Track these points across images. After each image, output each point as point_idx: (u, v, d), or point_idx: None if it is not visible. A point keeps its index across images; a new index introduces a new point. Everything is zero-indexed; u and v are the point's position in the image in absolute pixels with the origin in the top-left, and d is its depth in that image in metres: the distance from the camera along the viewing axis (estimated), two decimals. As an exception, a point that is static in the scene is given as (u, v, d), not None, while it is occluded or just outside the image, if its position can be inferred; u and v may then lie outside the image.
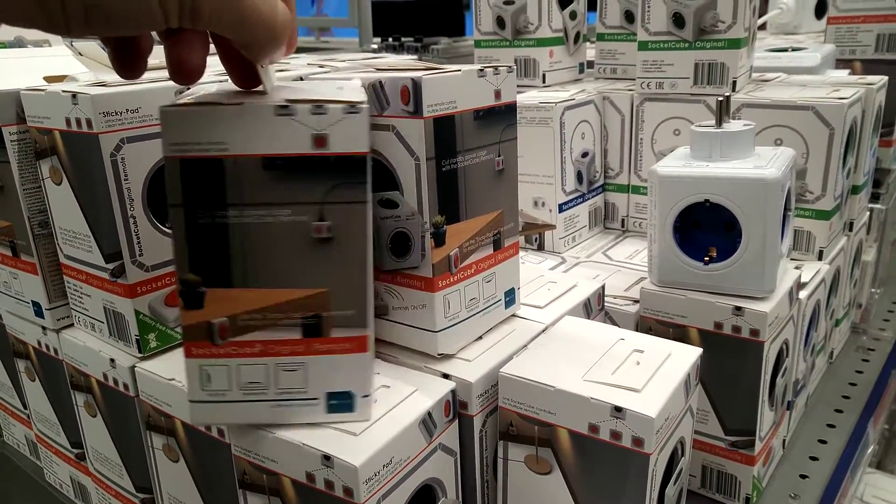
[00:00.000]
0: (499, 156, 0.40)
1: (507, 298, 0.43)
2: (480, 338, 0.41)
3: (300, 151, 0.30)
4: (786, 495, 0.50)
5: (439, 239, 0.37)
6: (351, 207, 0.31)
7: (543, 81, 0.70)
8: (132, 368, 0.42)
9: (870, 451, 0.67)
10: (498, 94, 0.39)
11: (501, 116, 0.40)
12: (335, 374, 0.33)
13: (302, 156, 0.30)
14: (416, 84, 0.35)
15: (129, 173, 0.39)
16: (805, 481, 0.52)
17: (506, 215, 0.41)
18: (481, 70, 0.38)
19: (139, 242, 0.40)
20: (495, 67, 0.39)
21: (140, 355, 0.42)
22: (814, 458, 0.54)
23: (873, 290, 0.76)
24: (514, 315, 0.44)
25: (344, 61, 0.60)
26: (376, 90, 0.36)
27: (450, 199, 0.37)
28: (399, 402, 0.36)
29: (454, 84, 0.36)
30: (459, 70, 0.37)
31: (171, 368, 0.41)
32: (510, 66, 0.39)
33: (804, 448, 0.55)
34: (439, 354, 0.39)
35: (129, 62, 0.28)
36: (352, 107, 0.30)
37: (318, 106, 0.30)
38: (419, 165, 0.36)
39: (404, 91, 0.35)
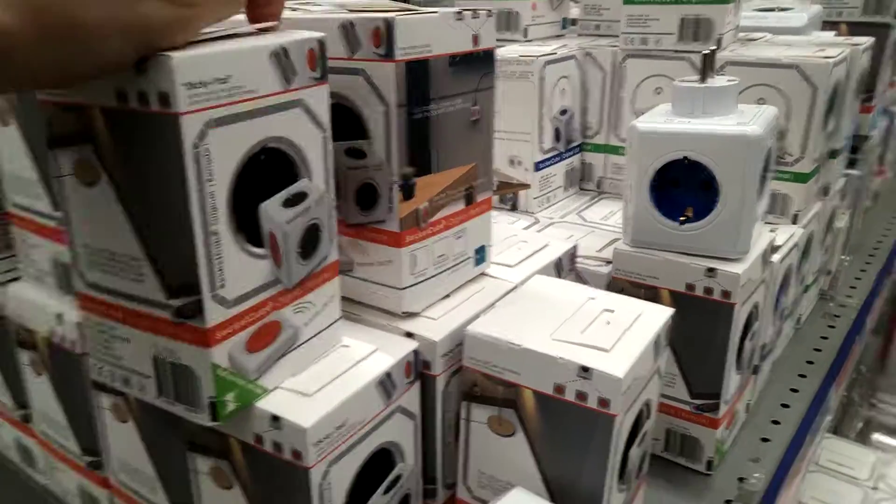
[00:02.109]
0: (475, 105, 0.38)
1: (478, 256, 0.42)
2: (448, 296, 0.40)
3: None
4: (746, 459, 0.50)
5: (408, 191, 0.36)
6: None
7: (525, 36, 0.67)
8: (79, 325, 0.40)
9: (832, 411, 0.68)
10: (476, 39, 0.37)
11: (479, 63, 0.38)
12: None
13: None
14: (389, 25, 0.33)
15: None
16: (766, 445, 0.52)
17: (479, 169, 0.40)
18: (459, 13, 0.36)
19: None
20: (474, 10, 0.37)
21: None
22: (776, 422, 0.55)
23: (843, 257, 0.76)
24: (483, 273, 0.43)
25: (319, 4, 0.57)
26: (346, 31, 0.34)
27: (421, 150, 0.36)
28: (357, 361, 0.34)
29: (429, 26, 0.34)
30: (436, 12, 0.34)
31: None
32: (490, 10, 0.37)
33: (767, 412, 0.56)
34: (404, 313, 0.38)
35: None
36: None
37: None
38: (389, 112, 0.34)
39: (376, 33, 0.33)
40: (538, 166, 0.61)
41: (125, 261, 0.30)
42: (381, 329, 0.38)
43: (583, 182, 0.68)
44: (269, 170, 0.30)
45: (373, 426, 0.33)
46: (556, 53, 0.59)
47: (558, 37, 0.72)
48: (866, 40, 0.60)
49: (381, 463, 0.35)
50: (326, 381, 0.32)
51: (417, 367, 0.36)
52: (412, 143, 0.35)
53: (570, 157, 0.65)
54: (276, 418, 0.30)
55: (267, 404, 0.31)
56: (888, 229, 0.97)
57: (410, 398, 0.36)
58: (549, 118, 0.60)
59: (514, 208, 0.62)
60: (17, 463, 0.54)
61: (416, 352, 0.36)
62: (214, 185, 0.27)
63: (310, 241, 0.32)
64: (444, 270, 0.39)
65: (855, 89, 0.60)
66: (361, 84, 0.34)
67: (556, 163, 0.63)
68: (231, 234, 0.28)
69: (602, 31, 0.71)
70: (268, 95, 0.29)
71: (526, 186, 0.61)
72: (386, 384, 0.34)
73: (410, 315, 0.38)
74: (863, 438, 1.39)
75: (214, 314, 0.28)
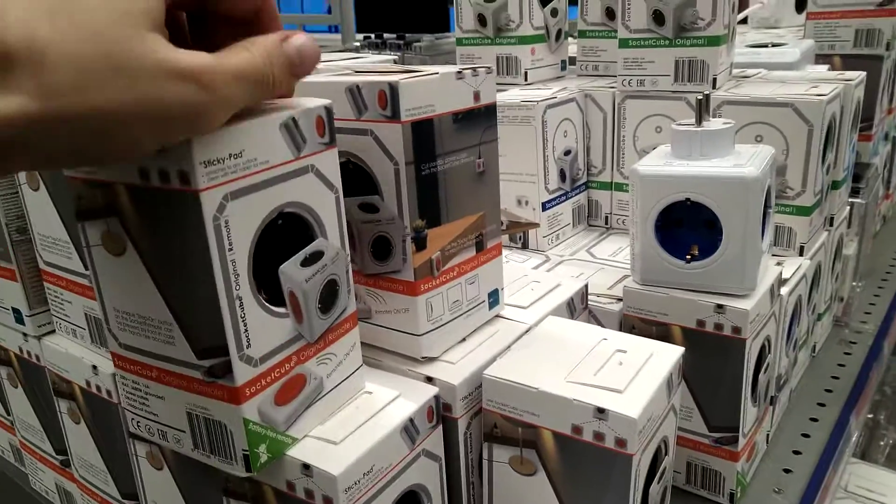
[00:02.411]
0: (479, 157, 0.40)
1: (491, 300, 0.43)
2: (464, 339, 0.41)
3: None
4: (770, 490, 0.51)
5: (420, 243, 0.37)
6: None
7: (525, 79, 0.70)
8: (114, 375, 0.41)
9: (853, 440, 0.67)
10: (477, 96, 0.39)
11: (481, 118, 0.40)
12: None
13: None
14: (394, 88, 0.34)
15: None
16: (789, 476, 0.52)
17: (488, 217, 0.41)
18: (459, 72, 0.38)
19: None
20: (474, 69, 0.38)
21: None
22: (797, 453, 0.55)
23: (854, 283, 0.77)
24: (497, 316, 0.44)
25: (323, 62, 0.60)
26: (353, 94, 0.36)
27: (430, 203, 0.37)
28: (381, 408, 0.35)
29: (432, 87, 0.36)
30: (437, 73, 0.37)
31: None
32: (489, 67, 0.39)
33: (788, 442, 0.56)
34: (423, 358, 0.39)
35: None
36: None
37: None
38: (398, 170, 0.36)
39: (381, 95, 0.35)
40: (545, 206, 0.62)
41: (155, 324, 0.31)
42: (401, 374, 0.39)
43: (590, 218, 0.69)
44: (286, 232, 0.32)
45: (399, 470, 0.34)
46: (556, 97, 0.61)
47: (558, 78, 0.74)
48: (858, 75, 0.62)
49: (409, 504, 0.36)
50: (353, 429, 0.34)
51: (439, 411, 0.37)
52: (422, 198, 0.37)
53: (576, 195, 0.67)
54: (306, 466, 0.32)
55: (297, 453, 0.32)
56: (898, 252, 0.97)
57: (434, 441, 0.37)
58: (553, 159, 0.62)
59: (524, 246, 0.64)
60: (57, 510, 0.55)
61: (436, 396, 0.37)
62: (235, 253, 0.29)
63: (328, 296, 0.34)
64: (460, 315, 0.41)
65: (851, 121, 0.61)
66: (370, 144, 0.36)
67: (563, 202, 0.65)
68: (253, 297, 0.30)
69: (601, 72, 0.74)
70: (280, 165, 0.30)
71: (535, 225, 0.63)
72: (409, 430, 0.35)
73: (429, 359, 0.39)
74: (891, 462, 1.37)
75: (243, 373, 0.30)
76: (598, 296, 0.51)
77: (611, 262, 0.59)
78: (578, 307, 0.48)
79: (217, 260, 0.28)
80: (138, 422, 0.35)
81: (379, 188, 0.37)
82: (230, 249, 0.28)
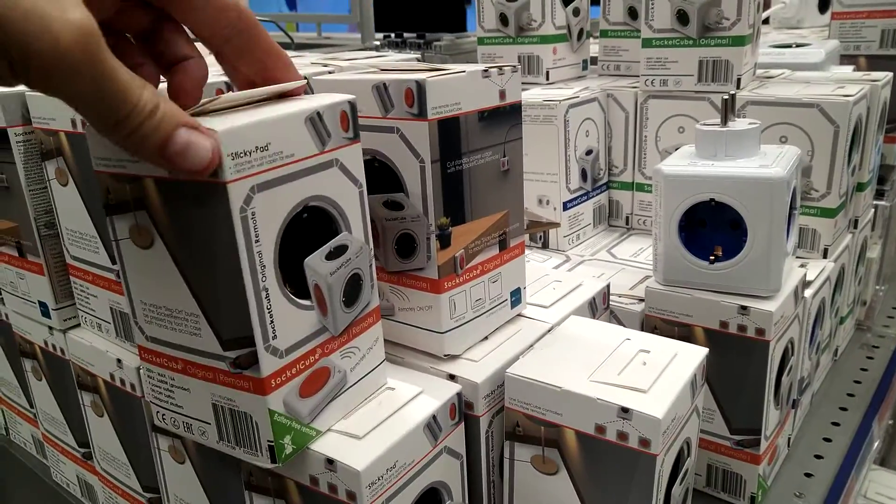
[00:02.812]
0: (504, 156, 0.40)
1: (513, 298, 0.43)
2: (486, 338, 0.41)
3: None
4: (791, 494, 0.50)
5: (445, 240, 0.37)
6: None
7: (547, 79, 0.70)
8: (138, 369, 0.42)
9: (875, 448, 0.67)
10: (503, 95, 0.39)
11: (506, 116, 0.40)
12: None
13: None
14: (421, 86, 0.35)
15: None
16: (810, 480, 0.52)
17: (511, 216, 0.41)
18: (486, 70, 0.38)
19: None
20: (500, 67, 0.38)
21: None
22: (819, 457, 0.54)
23: (878, 287, 0.76)
24: (519, 315, 0.44)
25: (346, 60, 0.60)
26: (380, 92, 0.36)
27: (455, 201, 0.37)
28: (404, 404, 0.35)
29: (458, 85, 0.36)
30: (464, 71, 0.37)
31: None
32: (515, 66, 0.39)
33: (809, 446, 0.55)
34: (445, 355, 0.39)
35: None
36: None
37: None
38: (424, 168, 0.36)
39: (408, 93, 0.35)
40: (566, 206, 0.62)
41: (182, 316, 0.32)
42: (423, 371, 0.39)
43: (611, 219, 0.69)
44: (311, 226, 0.32)
45: (421, 467, 0.35)
46: (578, 97, 0.61)
47: (579, 78, 0.74)
48: (884, 75, 0.61)
49: (430, 502, 0.36)
50: (376, 424, 0.34)
51: (461, 409, 0.37)
52: (447, 196, 0.37)
53: (597, 195, 0.66)
54: (330, 461, 0.32)
55: (321, 447, 0.32)
56: (922, 256, 0.96)
57: (456, 439, 0.37)
58: (574, 159, 0.62)
59: (545, 246, 0.64)
60: (79, 498, 0.56)
61: (459, 394, 0.37)
62: (261, 245, 0.29)
63: (352, 289, 0.34)
64: (482, 314, 0.41)
65: (878, 122, 0.61)
66: (396, 141, 0.36)
67: (584, 201, 0.65)
68: (279, 288, 0.30)
69: (623, 72, 0.73)
70: (305, 158, 0.30)
71: (556, 225, 0.63)
72: (432, 426, 0.35)
73: (452, 357, 0.39)
74: (911, 470, 1.35)
75: (269, 364, 0.30)
76: (619, 296, 0.51)
77: (632, 262, 0.59)
78: (600, 307, 0.48)
79: (244, 251, 0.28)
80: (163, 414, 0.35)
81: (404, 186, 0.37)
82: (256, 241, 0.29)
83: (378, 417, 0.34)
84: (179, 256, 0.30)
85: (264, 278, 0.29)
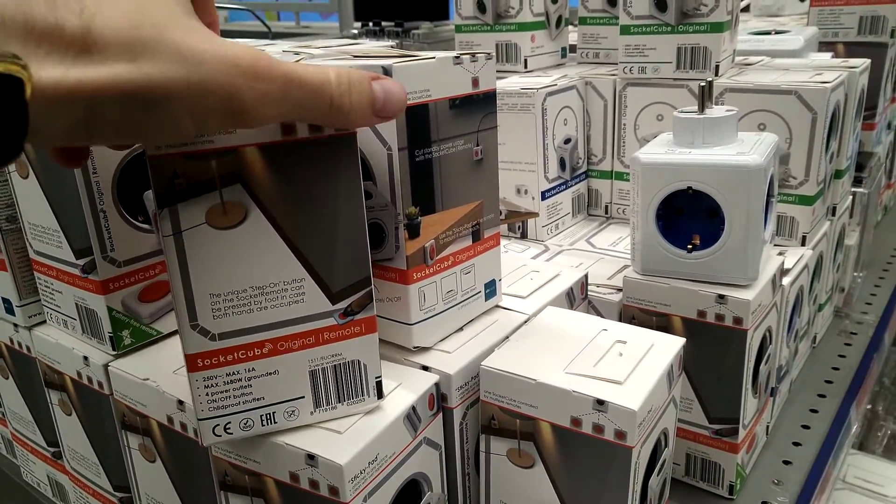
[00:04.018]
0: (477, 145, 0.39)
1: (488, 290, 0.42)
2: (461, 329, 0.41)
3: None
4: (769, 482, 0.50)
5: (413, 230, 0.36)
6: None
7: (525, 67, 0.69)
8: (106, 367, 0.41)
9: (853, 433, 0.67)
10: (476, 82, 0.38)
11: (480, 105, 0.39)
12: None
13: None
14: (387, 71, 0.34)
15: (98, 166, 0.37)
16: (788, 467, 0.52)
17: (485, 206, 0.41)
18: (457, 57, 0.37)
19: (110, 238, 0.39)
20: (473, 54, 0.38)
21: (114, 353, 0.41)
22: (797, 444, 0.54)
23: (856, 273, 0.76)
24: (496, 306, 0.43)
25: (319, 48, 0.59)
26: (349, 78, 0.35)
27: (424, 190, 0.37)
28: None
29: (427, 72, 0.35)
30: (433, 57, 0.36)
31: (146, 367, 0.40)
32: (489, 53, 0.38)
33: (787, 434, 0.55)
34: (415, 347, 0.38)
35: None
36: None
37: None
38: (392, 155, 0.35)
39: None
40: (545, 195, 0.61)
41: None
42: (397, 363, 0.38)
43: (590, 208, 0.69)
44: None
45: (402, 459, 0.34)
46: (556, 84, 0.60)
47: (558, 66, 0.73)
48: (862, 62, 0.61)
49: (411, 493, 0.36)
50: (357, 418, 0.34)
51: (439, 399, 0.37)
52: (415, 185, 0.36)
53: (576, 184, 0.66)
54: (311, 456, 0.31)
55: (301, 442, 0.32)
56: (900, 242, 0.97)
57: (435, 429, 0.37)
58: (552, 148, 0.61)
59: (524, 236, 0.63)
60: (51, 498, 0.54)
61: (437, 384, 0.36)
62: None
63: None
64: (454, 306, 0.40)
65: (855, 109, 0.61)
66: (364, 128, 0.35)
67: (563, 191, 0.64)
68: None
69: (601, 59, 0.73)
70: None
71: (534, 215, 0.62)
72: (412, 418, 0.35)
73: (425, 349, 0.39)
74: (889, 453, 1.37)
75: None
76: (597, 286, 0.51)
77: (611, 251, 0.58)
78: (578, 297, 0.47)
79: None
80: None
81: (372, 174, 0.36)
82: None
83: None
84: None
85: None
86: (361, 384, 0.34)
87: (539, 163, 0.60)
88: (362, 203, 0.31)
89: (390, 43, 0.70)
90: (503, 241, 0.62)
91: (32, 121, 0.20)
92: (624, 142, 0.64)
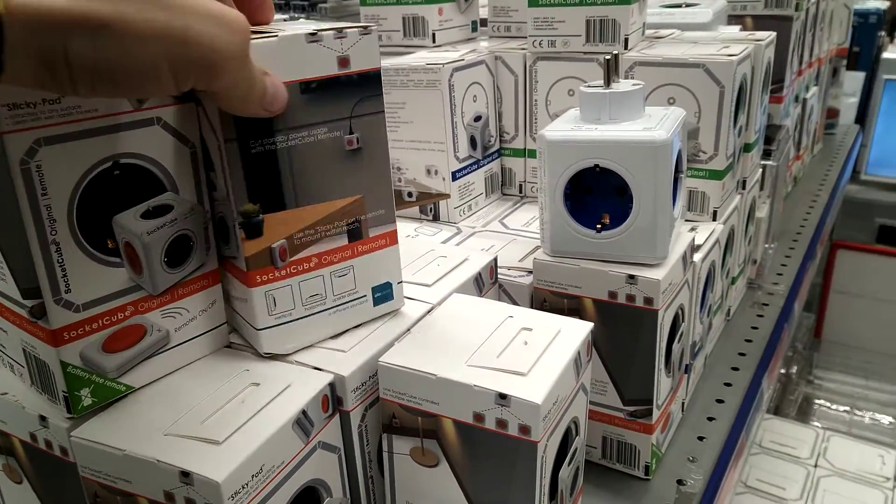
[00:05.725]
0: (351, 133, 0.35)
1: (378, 295, 0.38)
2: (358, 326, 0.38)
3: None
4: (685, 459, 0.50)
5: (252, 230, 0.33)
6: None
7: (433, 41, 0.66)
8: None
9: (766, 399, 0.68)
10: (344, 62, 0.34)
11: (352, 88, 0.34)
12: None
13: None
14: None
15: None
16: (703, 443, 0.52)
17: (368, 201, 0.36)
18: (313, 34, 0.32)
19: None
20: (339, 29, 0.33)
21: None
22: (711, 419, 0.54)
23: (767, 245, 0.78)
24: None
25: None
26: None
27: (267, 185, 0.33)
28: (269, 400, 0.32)
29: (264, 52, 0.31)
30: (276, 35, 0.31)
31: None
32: (365, 27, 0.34)
33: (702, 409, 0.56)
34: (265, 354, 0.35)
35: None
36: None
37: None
38: (220, 146, 0.32)
39: None
40: (455, 175, 0.59)
41: None
42: (286, 362, 0.35)
43: (504, 187, 0.67)
44: (127, 184, 0.31)
45: (293, 466, 0.31)
46: (464, 59, 0.58)
47: (469, 40, 0.71)
48: (768, 35, 0.61)
49: (308, 501, 0.33)
50: (238, 426, 0.30)
51: (335, 399, 0.34)
52: (252, 179, 0.32)
53: (488, 163, 0.64)
54: (185, 473, 0.28)
55: (175, 458, 0.29)
56: (808, 213, 1.00)
57: (331, 432, 0.34)
58: (462, 126, 0.59)
59: (436, 218, 0.61)
60: None
61: (331, 384, 0.33)
62: (50, 199, 0.29)
63: (178, 250, 0.34)
64: (322, 311, 0.36)
65: (762, 82, 0.61)
66: (201, 116, 0.33)
67: (475, 170, 0.62)
68: (74, 244, 0.30)
69: (513, 33, 0.70)
70: (112, 115, 0.30)
71: (445, 196, 0.59)
72: (302, 422, 0.32)
73: (273, 356, 0.36)
74: (802, 416, 1.44)
75: (59, 317, 0.30)
76: (508, 269, 0.49)
77: (524, 232, 0.56)
78: (487, 282, 0.45)
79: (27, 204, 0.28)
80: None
81: (213, 166, 0.33)
82: (44, 194, 0.29)
83: (240, 418, 0.31)
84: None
85: (54, 232, 0.29)
86: (50, 386, 0.33)
87: (448, 142, 0.57)
88: (24, 220, 0.29)
89: (283, 17, 0.65)
90: (413, 225, 0.60)
91: (9, 39, 0.21)
92: (536, 118, 0.62)
